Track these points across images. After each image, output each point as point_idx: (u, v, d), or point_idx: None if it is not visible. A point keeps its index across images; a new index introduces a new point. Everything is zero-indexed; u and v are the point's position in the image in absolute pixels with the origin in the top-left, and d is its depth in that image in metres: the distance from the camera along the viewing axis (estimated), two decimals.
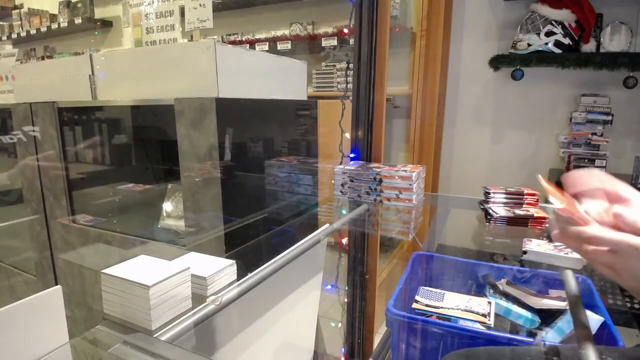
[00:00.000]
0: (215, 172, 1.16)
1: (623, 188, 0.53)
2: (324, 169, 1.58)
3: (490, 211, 1.16)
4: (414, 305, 1.17)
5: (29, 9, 4.50)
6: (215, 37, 3.31)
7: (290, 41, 2.91)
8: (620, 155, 2.27)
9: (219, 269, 0.73)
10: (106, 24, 4.19)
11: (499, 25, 2.47)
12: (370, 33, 1.38)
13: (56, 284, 0.68)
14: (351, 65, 1.45)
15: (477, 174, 2.67)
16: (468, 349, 0.86)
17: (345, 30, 2.59)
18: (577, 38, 2.17)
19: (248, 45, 3.09)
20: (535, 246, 0.92)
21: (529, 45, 2.20)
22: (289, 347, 1.15)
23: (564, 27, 2.15)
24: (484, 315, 1.11)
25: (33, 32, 4.41)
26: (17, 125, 1.66)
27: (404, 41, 2.62)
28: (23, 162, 1.65)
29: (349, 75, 1.47)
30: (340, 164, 1.46)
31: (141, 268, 0.67)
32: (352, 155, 1.49)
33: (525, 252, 0.92)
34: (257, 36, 3.24)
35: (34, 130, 1.59)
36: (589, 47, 2.16)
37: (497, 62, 2.34)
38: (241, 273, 0.78)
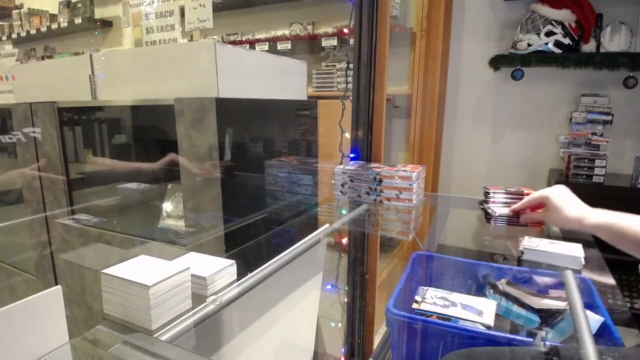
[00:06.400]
0: (215, 172, 1.16)
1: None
2: (324, 169, 1.58)
3: (490, 211, 1.16)
4: (414, 305, 1.17)
5: (29, 9, 4.50)
6: (215, 37, 3.31)
7: (290, 41, 2.91)
8: (620, 155, 2.27)
9: (219, 269, 0.73)
10: (106, 24, 4.19)
11: (499, 25, 2.47)
12: (370, 33, 1.38)
13: (56, 284, 0.68)
14: (351, 65, 1.45)
15: (477, 174, 2.67)
16: (468, 349, 0.86)
17: (345, 30, 2.59)
18: (577, 38, 2.17)
19: (248, 45, 3.09)
20: (534, 245, 0.92)
21: (529, 45, 2.20)
22: (289, 347, 1.15)
23: (564, 27, 2.15)
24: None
25: (33, 32, 4.41)
26: (17, 126, 1.66)
27: (404, 41, 2.62)
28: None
29: (349, 75, 1.47)
30: (340, 164, 1.46)
31: (141, 268, 0.66)
32: (352, 155, 1.49)
33: (522, 252, 0.92)
34: (257, 36, 3.24)
35: (34, 132, 1.59)
36: (589, 47, 2.16)
37: (497, 62, 2.34)
38: (241, 273, 0.78)
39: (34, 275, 1.81)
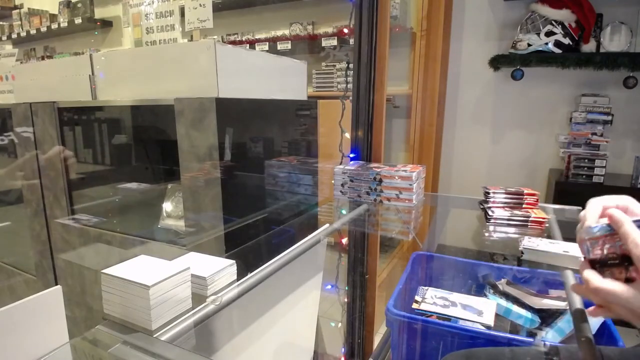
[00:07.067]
0: (215, 172, 1.16)
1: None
2: (324, 169, 1.58)
3: (490, 211, 1.16)
4: (414, 305, 1.18)
5: (29, 9, 4.50)
6: (215, 37, 3.31)
7: (290, 41, 2.91)
8: (620, 155, 2.27)
9: (219, 269, 0.73)
10: (106, 24, 4.19)
11: (499, 25, 2.47)
12: (370, 33, 1.38)
13: (56, 284, 0.68)
14: (351, 65, 1.45)
15: (477, 174, 2.67)
16: (468, 349, 0.86)
17: (345, 30, 2.59)
18: (577, 38, 2.17)
19: (248, 45, 3.08)
20: (534, 245, 0.92)
21: (529, 45, 2.20)
22: (289, 347, 1.15)
23: (564, 27, 2.15)
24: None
25: (33, 32, 4.41)
26: (17, 126, 1.66)
27: (404, 41, 2.62)
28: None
29: (349, 75, 1.47)
30: (340, 164, 1.46)
31: (141, 268, 0.66)
32: (352, 155, 1.49)
33: (522, 252, 0.92)
34: (257, 36, 3.24)
35: (29, 132, 1.59)
36: (589, 47, 2.16)
37: (497, 62, 2.34)
38: (241, 273, 0.78)
39: (34, 275, 1.81)
